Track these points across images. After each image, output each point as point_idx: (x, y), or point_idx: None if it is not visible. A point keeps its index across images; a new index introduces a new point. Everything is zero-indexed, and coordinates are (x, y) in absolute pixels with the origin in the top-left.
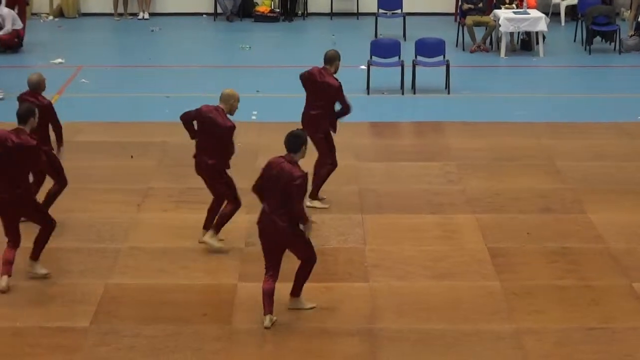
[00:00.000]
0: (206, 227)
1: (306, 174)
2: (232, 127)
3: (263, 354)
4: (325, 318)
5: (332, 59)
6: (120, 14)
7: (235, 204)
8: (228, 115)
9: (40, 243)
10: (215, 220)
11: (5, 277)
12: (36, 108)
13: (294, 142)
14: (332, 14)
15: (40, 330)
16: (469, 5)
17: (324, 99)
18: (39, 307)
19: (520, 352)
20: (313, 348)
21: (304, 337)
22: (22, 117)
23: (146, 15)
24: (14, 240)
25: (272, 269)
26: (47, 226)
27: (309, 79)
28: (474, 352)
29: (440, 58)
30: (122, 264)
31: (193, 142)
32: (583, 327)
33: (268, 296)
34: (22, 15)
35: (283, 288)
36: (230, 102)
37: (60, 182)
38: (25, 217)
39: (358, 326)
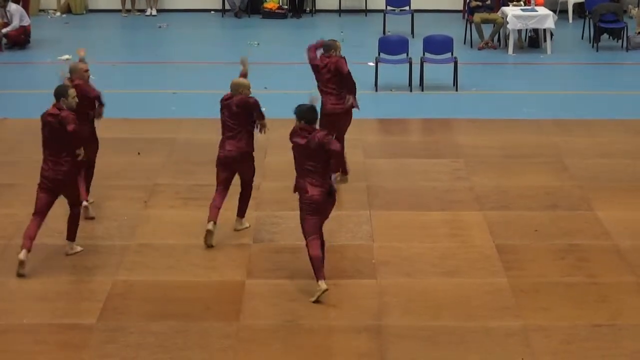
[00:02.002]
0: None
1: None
2: (256, 101)
3: (271, 350)
4: (333, 315)
5: (328, 48)
6: (128, 10)
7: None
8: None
9: (73, 224)
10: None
11: (25, 251)
12: (70, 89)
13: (313, 114)
14: (340, 11)
15: (48, 327)
16: (477, 3)
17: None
18: (46, 303)
19: (528, 349)
20: (321, 345)
21: (312, 334)
22: (54, 95)
23: (154, 12)
24: (42, 217)
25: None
26: (79, 205)
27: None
28: (481, 349)
29: (448, 55)
30: (130, 261)
31: (200, 138)
32: (591, 324)
33: (321, 262)
34: (26, 11)
35: (289, 284)
36: (239, 91)
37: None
38: (65, 193)
39: (366, 323)
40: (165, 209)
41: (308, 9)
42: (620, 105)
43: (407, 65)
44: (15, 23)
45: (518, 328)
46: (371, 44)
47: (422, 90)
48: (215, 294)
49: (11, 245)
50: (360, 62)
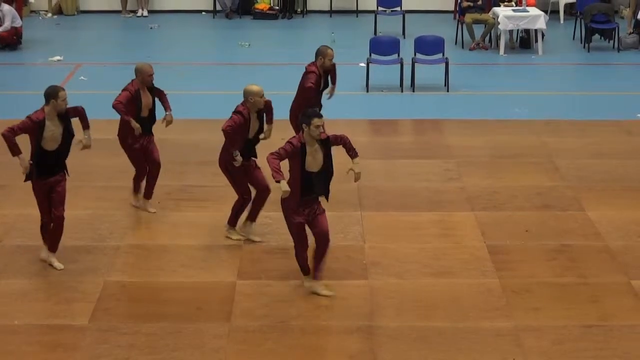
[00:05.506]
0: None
1: None
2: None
3: (263, 351)
4: (324, 316)
5: (316, 54)
6: (131, 11)
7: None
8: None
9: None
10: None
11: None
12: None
13: None
14: (331, 12)
15: (39, 328)
16: (468, 3)
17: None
18: (38, 304)
19: (519, 349)
20: (312, 345)
21: (304, 334)
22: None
23: (145, 13)
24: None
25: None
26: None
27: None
28: (473, 350)
29: (440, 56)
30: (121, 262)
31: (191, 139)
32: (582, 324)
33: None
34: (18, 12)
35: (281, 285)
36: (248, 99)
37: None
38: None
39: (357, 324)
40: (157, 210)
41: (299, 9)
42: (612, 106)
43: (399, 65)
44: (7, 24)
45: (509, 328)
46: (362, 45)
47: (413, 91)
48: (206, 294)
49: (0, 247)
50: (352, 63)
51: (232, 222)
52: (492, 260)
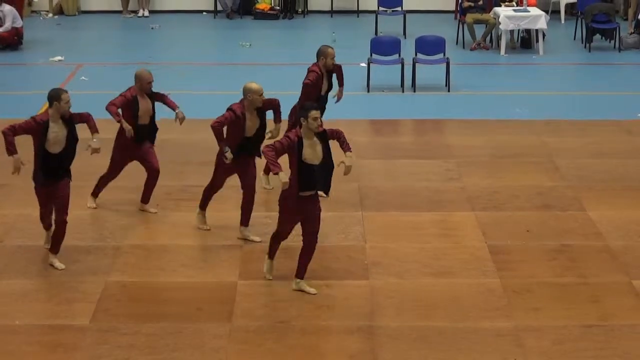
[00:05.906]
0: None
1: None
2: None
3: (263, 351)
4: (325, 315)
5: (317, 54)
6: (132, 11)
7: None
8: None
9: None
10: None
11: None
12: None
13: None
14: (332, 12)
15: (40, 328)
16: (469, 3)
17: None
18: (38, 304)
19: (520, 349)
20: (313, 345)
21: (304, 334)
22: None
23: (146, 13)
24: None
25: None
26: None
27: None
28: (473, 349)
29: (441, 56)
30: (122, 262)
31: (192, 139)
32: (582, 324)
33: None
34: (19, 12)
35: (281, 285)
36: (246, 96)
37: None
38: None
39: (358, 324)
40: (158, 210)
41: (300, 9)
42: (612, 106)
43: (399, 66)
44: (8, 24)
45: (510, 328)
46: (363, 45)
47: (414, 91)
48: (207, 294)
49: (0, 247)
50: (352, 63)
51: (202, 205)
52: (493, 260)
